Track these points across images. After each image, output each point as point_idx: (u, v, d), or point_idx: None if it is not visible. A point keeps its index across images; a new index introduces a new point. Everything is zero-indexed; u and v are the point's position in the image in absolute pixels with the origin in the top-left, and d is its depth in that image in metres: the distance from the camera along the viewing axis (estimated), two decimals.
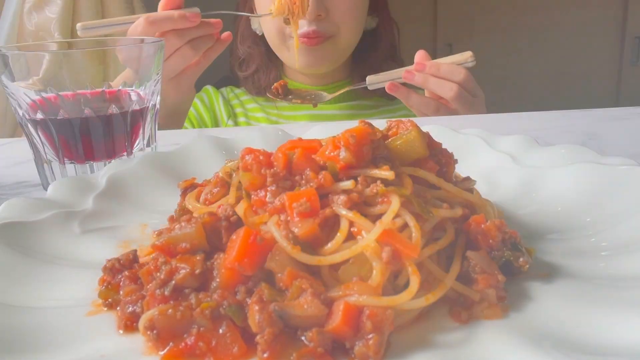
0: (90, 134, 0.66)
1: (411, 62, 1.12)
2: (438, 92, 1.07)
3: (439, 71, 1.07)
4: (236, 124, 1.44)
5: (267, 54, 1.42)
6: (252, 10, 1.40)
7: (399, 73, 1.10)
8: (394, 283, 0.40)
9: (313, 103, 1.20)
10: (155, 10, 1.04)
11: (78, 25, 1.00)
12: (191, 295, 0.38)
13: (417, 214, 0.41)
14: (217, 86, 1.53)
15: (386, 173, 0.42)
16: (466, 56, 1.09)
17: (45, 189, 0.69)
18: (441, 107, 1.09)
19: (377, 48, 1.43)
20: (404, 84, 1.11)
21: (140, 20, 0.98)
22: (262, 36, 1.40)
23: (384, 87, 1.11)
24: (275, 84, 1.20)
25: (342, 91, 1.22)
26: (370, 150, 0.44)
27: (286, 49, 1.33)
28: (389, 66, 1.39)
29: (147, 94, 0.70)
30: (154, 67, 0.70)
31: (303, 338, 0.36)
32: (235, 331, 0.37)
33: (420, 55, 1.11)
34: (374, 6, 1.40)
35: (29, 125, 0.67)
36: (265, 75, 1.43)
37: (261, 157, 0.44)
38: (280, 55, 1.38)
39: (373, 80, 1.13)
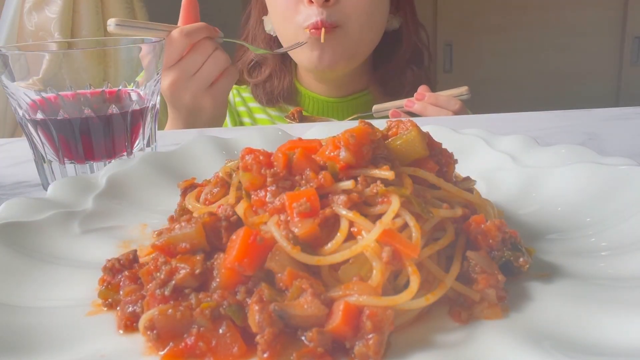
0: (90, 134, 0.66)
1: None
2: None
3: (437, 101, 1.16)
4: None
5: (282, 57, 1.36)
6: (262, 9, 1.35)
7: (402, 102, 1.21)
8: (394, 283, 0.40)
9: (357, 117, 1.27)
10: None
11: (111, 20, 1.00)
12: (191, 295, 0.38)
13: (417, 214, 0.41)
14: None
15: (386, 173, 0.42)
16: (462, 90, 1.20)
17: (45, 189, 0.69)
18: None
19: (397, 51, 1.37)
20: (407, 113, 1.20)
21: (175, 34, 1.05)
22: (276, 38, 1.34)
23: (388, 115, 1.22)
24: (292, 110, 1.27)
25: (352, 117, 1.28)
26: (370, 150, 0.44)
27: (302, 50, 1.26)
28: (412, 73, 1.37)
29: (147, 94, 0.70)
30: (154, 67, 0.70)
31: (303, 338, 0.36)
32: (235, 331, 0.37)
33: (421, 88, 1.20)
34: (395, 4, 1.33)
35: (29, 125, 0.67)
36: (278, 81, 1.36)
37: (261, 157, 0.44)
38: (296, 58, 1.32)
39: (379, 109, 1.24)
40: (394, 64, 1.37)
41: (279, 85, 1.36)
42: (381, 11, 1.28)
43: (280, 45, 1.34)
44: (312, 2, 1.19)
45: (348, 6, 1.21)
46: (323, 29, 1.20)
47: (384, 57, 1.37)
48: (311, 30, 1.21)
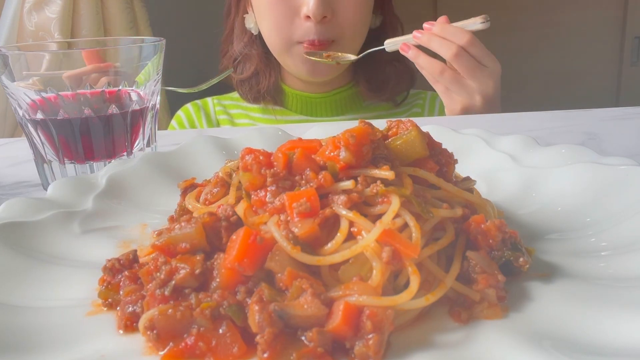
0: (90, 134, 0.66)
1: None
2: (439, 51, 1.08)
3: (443, 32, 1.07)
4: None
5: (266, 55, 1.35)
6: (245, 9, 1.35)
7: (411, 36, 1.14)
8: (394, 283, 0.40)
9: (336, 62, 1.24)
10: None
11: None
12: (191, 295, 0.38)
13: (417, 214, 0.41)
14: (202, 95, 1.44)
15: (386, 173, 0.42)
16: (476, 19, 1.10)
17: (45, 189, 0.69)
18: (446, 69, 1.09)
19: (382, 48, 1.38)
20: (418, 47, 1.13)
21: (64, 76, 1.01)
22: (258, 36, 1.34)
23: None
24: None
25: (365, 52, 1.23)
26: (370, 150, 0.44)
27: (289, 56, 1.28)
28: (394, 67, 1.36)
29: (147, 94, 0.70)
30: (154, 67, 0.70)
31: (303, 338, 0.36)
32: (235, 331, 0.37)
33: (439, 19, 1.12)
34: (378, 4, 1.34)
35: (29, 125, 0.67)
36: (265, 79, 1.35)
37: (261, 157, 0.44)
38: (281, 61, 1.33)
39: (390, 42, 1.17)
40: (376, 61, 1.35)
41: (265, 83, 1.35)
42: (369, 17, 1.31)
43: (262, 44, 1.34)
44: (309, 17, 1.18)
45: (343, 20, 1.22)
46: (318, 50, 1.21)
47: (367, 54, 1.36)
48: (305, 46, 1.22)
